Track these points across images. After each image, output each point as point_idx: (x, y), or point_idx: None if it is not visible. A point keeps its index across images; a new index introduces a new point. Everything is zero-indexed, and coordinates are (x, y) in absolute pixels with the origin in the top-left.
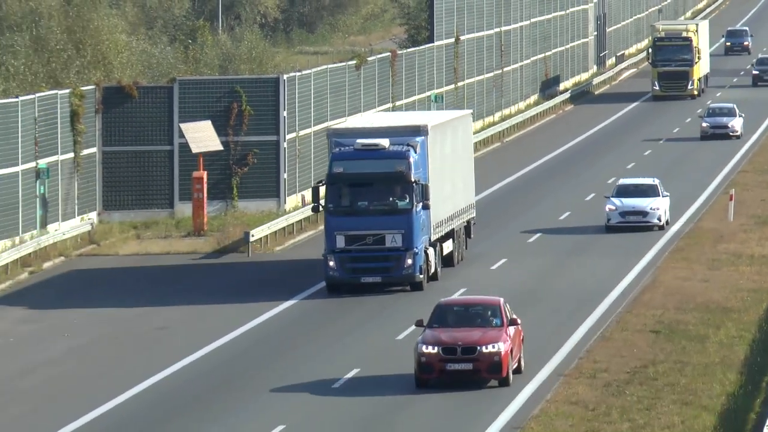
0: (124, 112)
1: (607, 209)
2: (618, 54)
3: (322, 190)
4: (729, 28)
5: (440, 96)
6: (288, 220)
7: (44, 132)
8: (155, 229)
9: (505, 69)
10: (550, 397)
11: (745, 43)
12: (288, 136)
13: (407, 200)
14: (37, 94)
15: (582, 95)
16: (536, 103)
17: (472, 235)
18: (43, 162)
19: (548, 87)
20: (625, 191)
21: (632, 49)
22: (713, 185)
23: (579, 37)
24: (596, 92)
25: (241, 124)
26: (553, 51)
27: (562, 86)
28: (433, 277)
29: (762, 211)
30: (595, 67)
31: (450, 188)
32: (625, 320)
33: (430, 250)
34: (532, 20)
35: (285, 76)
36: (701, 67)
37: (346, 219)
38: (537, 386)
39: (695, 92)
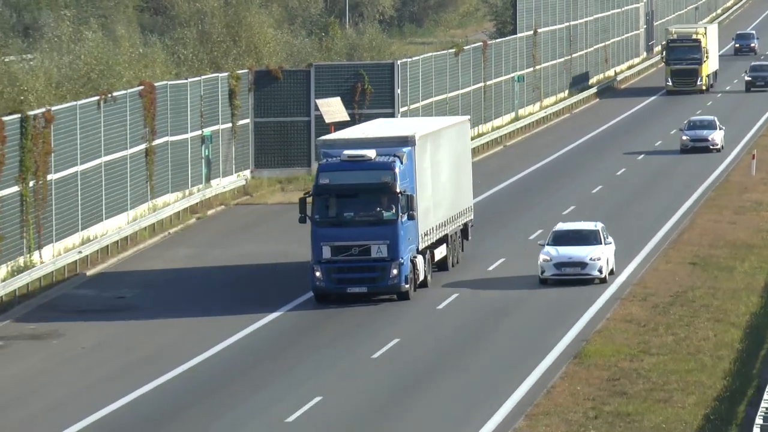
0: (271, 90)
1: (540, 259)
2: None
3: (311, 200)
4: (738, 32)
5: (522, 77)
6: None
7: (208, 107)
8: (296, 183)
9: (573, 55)
10: (610, 316)
11: (752, 44)
12: (401, 110)
13: (392, 211)
14: (203, 77)
15: (607, 90)
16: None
17: (469, 237)
18: (207, 130)
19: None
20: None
21: None
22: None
23: (632, 30)
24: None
25: (364, 100)
26: (612, 41)
27: (615, 70)
28: (423, 284)
29: None
30: (645, 53)
31: (444, 194)
32: (668, 255)
33: (419, 258)
34: (595, 16)
35: (398, 62)
36: (709, 65)
37: (332, 230)
38: (598, 309)
39: (704, 87)
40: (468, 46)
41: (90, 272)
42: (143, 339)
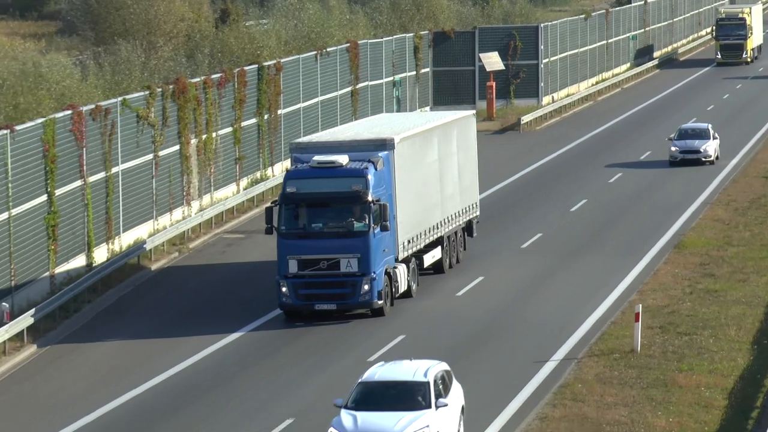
0: (445, 47)
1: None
2: None
3: (277, 210)
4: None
5: (635, 36)
6: (543, 110)
7: (398, 59)
8: None
9: (675, 19)
10: (701, 216)
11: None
12: (543, 61)
13: (364, 222)
14: (394, 37)
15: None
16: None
17: (474, 234)
18: (397, 77)
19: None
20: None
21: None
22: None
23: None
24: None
25: (515, 54)
26: (704, 8)
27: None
28: (407, 294)
29: None
30: None
31: (438, 195)
32: (745, 171)
33: (400, 269)
34: None
35: (541, 25)
36: (753, 41)
37: (299, 242)
38: (692, 211)
39: (748, 60)
40: (594, 13)
41: None
42: None
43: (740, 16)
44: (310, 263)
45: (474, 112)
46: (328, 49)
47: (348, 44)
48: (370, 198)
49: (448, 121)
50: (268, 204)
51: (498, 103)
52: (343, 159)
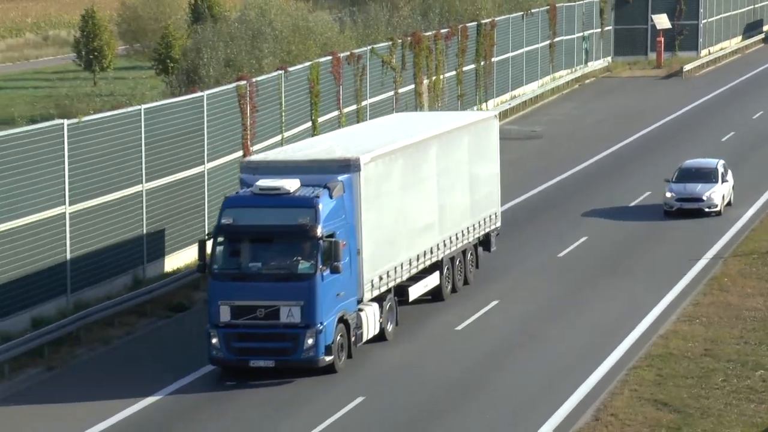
0: (625, 10)
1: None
2: None
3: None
4: None
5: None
6: (701, 61)
7: (587, 19)
8: (639, 65)
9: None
10: None
11: None
12: (702, 21)
13: (310, 262)
14: (585, 1)
15: None
16: None
17: (493, 248)
18: (586, 33)
19: None
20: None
21: None
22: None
23: None
24: None
25: (681, 15)
26: None
27: None
28: (381, 337)
29: None
30: None
31: (432, 216)
32: None
33: (367, 311)
34: None
35: None
36: None
37: (234, 285)
38: None
39: None
40: None
41: (515, 116)
42: (546, 154)
43: None
44: (246, 311)
45: (496, 113)
46: (533, 11)
47: (548, 7)
48: (319, 233)
49: (451, 128)
50: (203, 236)
51: (665, 55)
52: (291, 184)
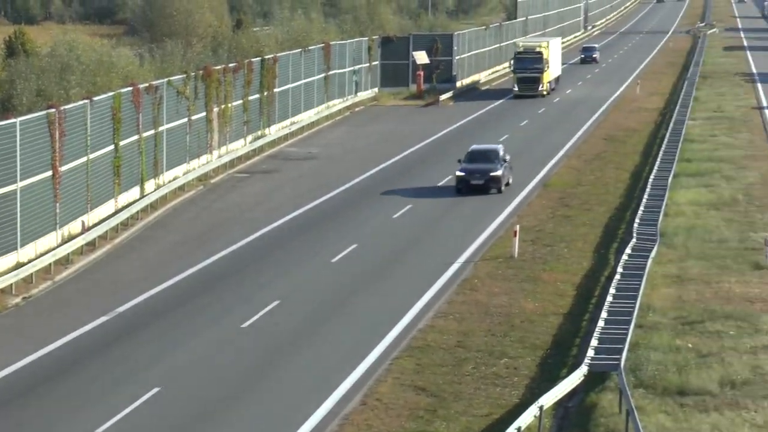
0: (390, 48)
1: None
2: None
3: None
4: (584, 45)
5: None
6: (456, 92)
7: (357, 55)
8: (402, 95)
9: (546, 30)
10: (562, 164)
11: (594, 55)
12: (456, 58)
13: None
14: (354, 40)
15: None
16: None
17: None
18: (356, 67)
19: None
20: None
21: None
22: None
23: (575, 17)
24: None
25: (437, 52)
26: (565, 23)
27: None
28: None
29: (651, 89)
30: (583, 29)
31: None
32: (592, 134)
33: None
34: (557, 10)
35: (455, 33)
36: (551, 73)
37: None
38: (555, 161)
39: (544, 92)
40: (491, 25)
41: (294, 139)
42: (322, 173)
43: (537, 50)
44: None
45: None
46: (309, 48)
47: (323, 44)
48: None
49: None
50: None
51: (424, 86)
52: None
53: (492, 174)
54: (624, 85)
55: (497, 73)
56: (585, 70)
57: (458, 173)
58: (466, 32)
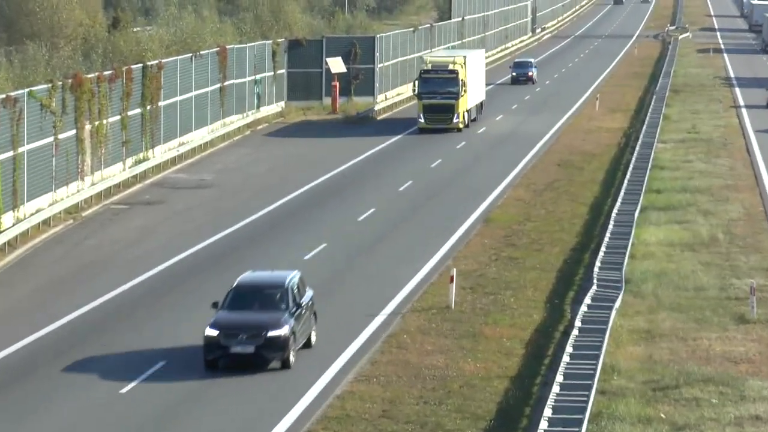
0: (298, 52)
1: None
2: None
3: None
4: (516, 60)
5: (454, 46)
6: (378, 106)
7: (259, 62)
8: (314, 110)
9: (486, 33)
10: (506, 195)
11: (530, 73)
12: (379, 66)
13: None
14: (256, 43)
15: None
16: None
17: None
18: (258, 76)
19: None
20: None
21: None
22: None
23: (522, 18)
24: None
25: (356, 59)
26: (510, 25)
27: (512, 43)
28: None
29: (612, 106)
30: (530, 33)
31: None
32: (542, 159)
33: None
34: (500, 9)
35: (377, 36)
36: (469, 99)
37: None
38: (499, 191)
39: (461, 125)
40: (421, 27)
41: (183, 163)
42: (217, 204)
43: (450, 67)
44: None
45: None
46: (201, 52)
47: (218, 48)
48: None
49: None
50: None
51: (341, 99)
52: None
53: (270, 334)
54: (571, 111)
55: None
56: (520, 91)
57: (208, 332)
58: (390, 35)
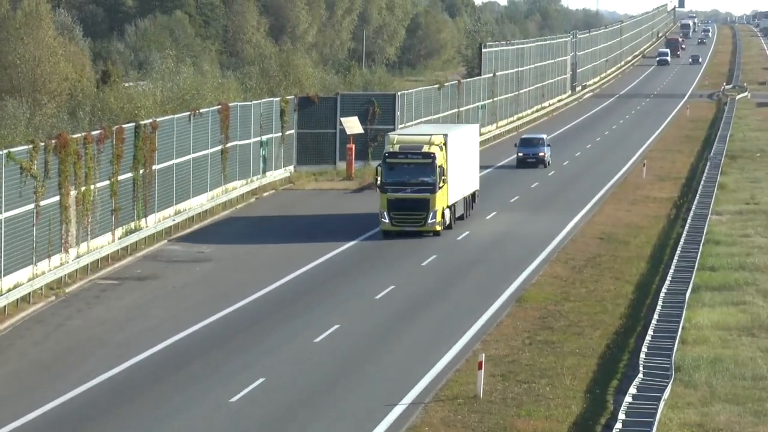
0: (309, 111)
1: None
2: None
3: None
4: (523, 136)
5: (485, 105)
6: None
7: (265, 121)
8: (326, 175)
9: (520, 92)
10: (541, 273)
11: (541, 153)
12: (399, 126)
13: None
14: (262, 100)
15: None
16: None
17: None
18: (264, 137)
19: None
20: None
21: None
22: None
23: (560, 74)
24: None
25: (374, 119)
26: (547, 82)
27: (549, 102)
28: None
29: (661, 173)
30: (570, 91)
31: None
32: (583, 232)
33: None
34: (535, 65)
35: (398, 93)
36: (451, 192)
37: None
38: (533, 268)
39: (437, 227)
40: (447, 83)
41: (179, 234)
42: (218, 280)
43: (425, 149)
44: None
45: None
46: (201, 110)
47: (219, 106)
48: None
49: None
50: None
51: (357, 164)
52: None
53: None
54: (591, 203)
55: None
56: (527, 176)
57: None
58: (413, 92)
